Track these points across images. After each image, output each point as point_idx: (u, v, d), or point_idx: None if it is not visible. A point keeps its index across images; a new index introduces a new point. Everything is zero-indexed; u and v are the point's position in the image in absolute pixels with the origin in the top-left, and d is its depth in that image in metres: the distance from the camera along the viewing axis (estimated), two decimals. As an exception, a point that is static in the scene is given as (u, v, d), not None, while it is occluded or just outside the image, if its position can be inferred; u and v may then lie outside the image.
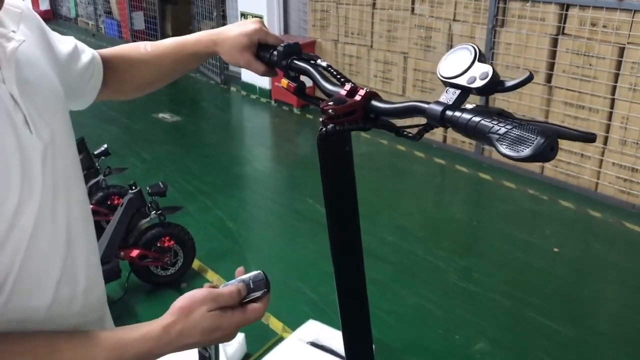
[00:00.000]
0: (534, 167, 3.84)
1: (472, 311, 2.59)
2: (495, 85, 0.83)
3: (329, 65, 1.10)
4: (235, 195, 3.75)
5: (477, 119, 0.79)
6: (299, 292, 2.68)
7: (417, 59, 4.35)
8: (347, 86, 0.98)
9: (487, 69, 0.83)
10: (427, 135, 0.94)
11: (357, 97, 0.95)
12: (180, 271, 2.72)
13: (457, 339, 2.42)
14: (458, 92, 0.84)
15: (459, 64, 0.86)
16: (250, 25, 1.12)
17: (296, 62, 1.11)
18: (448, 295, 2.70)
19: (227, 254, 3.01)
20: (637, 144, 3.32)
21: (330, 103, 0.94)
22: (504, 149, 0.75)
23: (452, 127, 0.82)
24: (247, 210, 3.64)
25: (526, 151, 0.73)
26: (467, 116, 0.80)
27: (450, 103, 0.84)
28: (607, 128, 3.44)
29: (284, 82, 1.11)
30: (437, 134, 4.34)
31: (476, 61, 0.84)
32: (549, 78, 3.65)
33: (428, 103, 0.87)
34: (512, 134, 0.76)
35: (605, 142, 3.47)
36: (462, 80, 0.85)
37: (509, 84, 0.82)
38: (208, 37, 1.11)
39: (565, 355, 2.31)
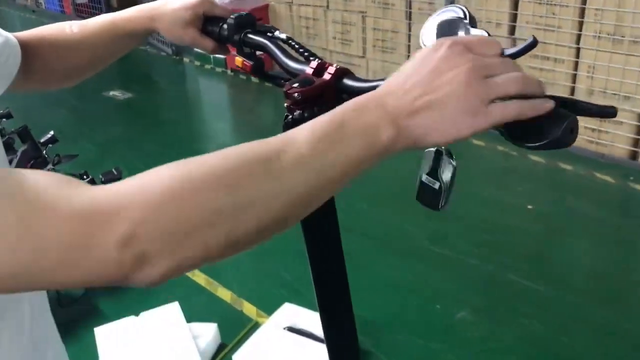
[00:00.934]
0: (501, 122, 3.75)
1: (451, 278, 2.52)
2: (492, 54, 0.70)
3: (289, 38, 0.95)
4: (196, 174, 3.57)
5: (477, 98, 0.67)
6: (272, 273, 2.56)
7: (376, 18, 4.19)
8: (314, 63, 0.83)
9: (481, 34, 0.70)
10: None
11: (327, 76, 0.81)
12: (144, 261, 2.56)
13: (438, 308, 2.35)
14: (450, 66, 0.71)
15: (446, 30, 0.72)
16: (193, -5, 0.96)
17: (251, 36, 0.96)
18: (424, 263, 2.62)
19: (192, 237, 2.86)
20: (604, 92, 3.26)
21: (296, 85, 0.80)
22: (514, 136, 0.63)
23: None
24: (211, 188, 3.47)
25: (542, 137, 0.60)
26: (464, 94, 0.67)
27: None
28: (573, 78, 3.37)
29: (239, 60, 0.96)
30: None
31: (468, 26, 0.71)
32: (512, 30, 3.55)
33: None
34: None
35: (572, 93, 3.40)
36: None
37: (509, 51, 0.69)
38: (144, 12, 0.95)
39: (548, 317, 2.26)
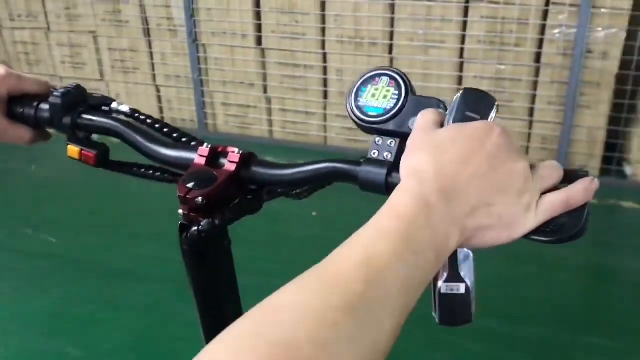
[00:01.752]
0: (262, 132, 3.76)
1: (253, 304, 2.41)
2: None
3: (134, 111, 0.74)
4: None
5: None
6: (56, 353, 2.16)
7: (110, 37, 3.83)
8: (204, 149, 0.64)
9: (431, 104, 0.60)
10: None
11: (229, 166, 0.63)
12: None
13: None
14: (396, 141, 0.59)
15: (382, 99, 0.60)
16: (-12, 71, 0.68)
17: (88, 117, 0.72)
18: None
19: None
20: (354, 93, 3.45)
21: (191, 184, 0.61)
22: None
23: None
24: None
25: (563, 230, 0.52)
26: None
27: (391, 159, 0.59)
28: (325, 82, 3.50)
29: (74, 150, 0.71)
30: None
31: (410, 93, 0.60)
32: (259, 40, 3.54)
33: (355, 163, 0.60)
34: None
35: (325, 97, 3.54)
36: (398, 124, 0.60)
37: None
38: None
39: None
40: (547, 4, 2.96)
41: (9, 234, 2.92)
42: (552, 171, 0.51)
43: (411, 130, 0.58)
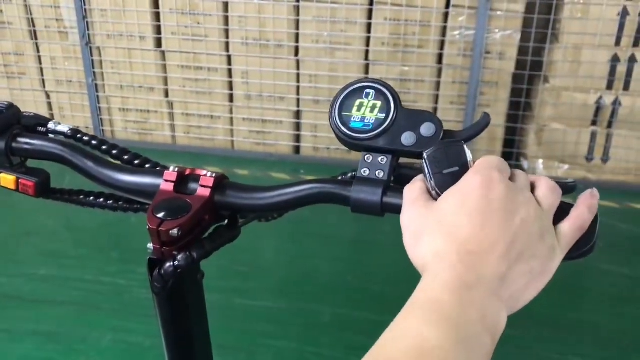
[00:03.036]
0: (165, 137, 3.61)
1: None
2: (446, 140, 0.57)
3: (75, 131, 0.66)
4: None
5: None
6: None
7: (-8, 40, 3.53)
8: (171, 173, 0.58)
9: (423, 118, 0.56)
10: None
11: (203, 191, 0.57)
12: None
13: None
14: (388, 158, 0.56)
15: (369, 113, 0.57)
16: None
17: (24, 139, 0.63)
18: (146, 316, 2.33)
19: None
20: (261, 96, 3.40)
21: (161, 215, 0.54)
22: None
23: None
24: None
25: (578, 246, 0.50)
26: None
27: (385, 177, 0.55)
28: (230, 85, 3.42)
29: (9, 179, 0.62)
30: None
31: (399, 106, 0.56)
32: (159, 42, 3.39)
33: (345, 183, 0.56)
34: None
35: (231, 100, 3.45)
36: (389, 141, 0.56)
37: (463, 135, 0.57)
38: None
39: (289, 331, 2.26)
40: (447, 6, 3.06)
41: None
42: (553, 195, 0.49)
43: (404, 146, 0.54)
